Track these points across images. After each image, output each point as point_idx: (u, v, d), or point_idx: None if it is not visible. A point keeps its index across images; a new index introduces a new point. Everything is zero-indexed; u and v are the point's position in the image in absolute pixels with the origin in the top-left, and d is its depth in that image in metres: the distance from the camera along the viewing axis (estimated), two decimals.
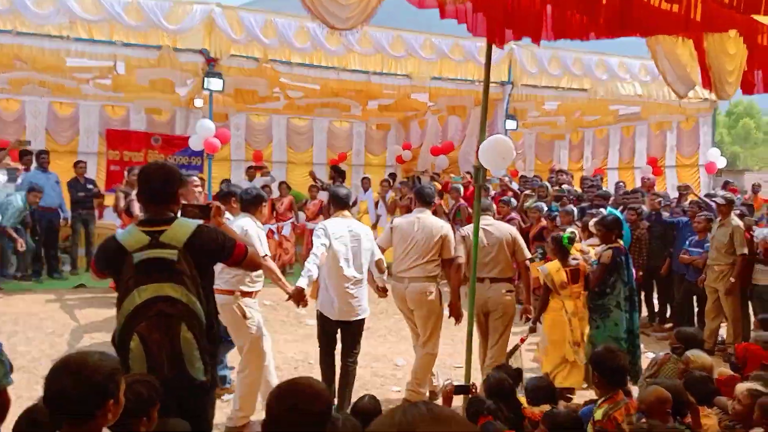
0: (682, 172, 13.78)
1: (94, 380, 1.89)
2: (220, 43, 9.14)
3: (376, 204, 11.72)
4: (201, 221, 3.10)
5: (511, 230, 5.41)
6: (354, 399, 3.96)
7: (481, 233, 4.84)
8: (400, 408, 1.19)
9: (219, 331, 3.16)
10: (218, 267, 4.39)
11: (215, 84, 9.33)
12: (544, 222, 8.26)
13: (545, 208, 8.49)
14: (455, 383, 3.91)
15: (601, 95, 11.66)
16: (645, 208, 8.34)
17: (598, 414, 3.24)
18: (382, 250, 5.18)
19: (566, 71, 11.37)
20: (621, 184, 11.20)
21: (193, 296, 2.79)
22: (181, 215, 3.18)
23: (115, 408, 1.96)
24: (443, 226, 5.07)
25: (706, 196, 8.65)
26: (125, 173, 9.29)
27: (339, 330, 4.87)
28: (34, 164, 9.77)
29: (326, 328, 4.87)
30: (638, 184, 11.39)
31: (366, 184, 12.07)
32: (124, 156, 10.91)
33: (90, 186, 10.24)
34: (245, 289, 4.56)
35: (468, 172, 10.34)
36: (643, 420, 3.08)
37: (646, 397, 3.16)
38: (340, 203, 4.92)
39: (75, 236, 10.06)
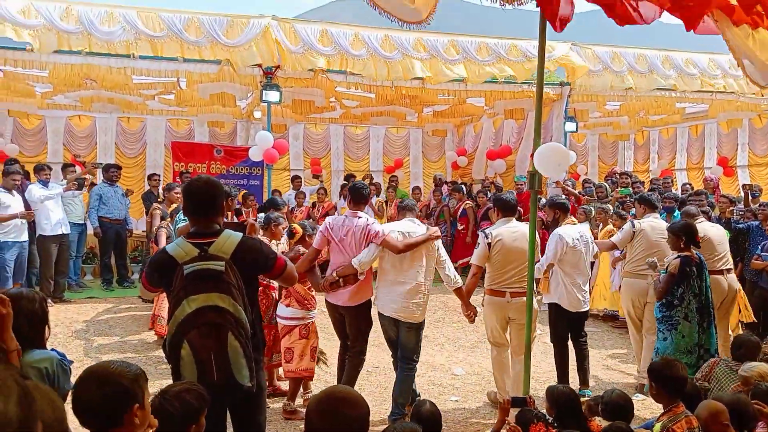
0: (755, 171, 13.11)
1: (119, 385, 1.98)
2: (277, 55, 9.28)
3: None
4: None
5: None
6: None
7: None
8: (391, 428, 1.21)
9: (262, 338, 3.23)
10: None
11: (273, 96, 9.53)
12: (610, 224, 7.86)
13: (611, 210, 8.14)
14: (513, 395, 3.84)
15: (666, 93, 11.16)
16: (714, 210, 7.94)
17: (657, 427, 3.11)
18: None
19: (630, 69, 10.74)
20: (688, 186, 10.73)
21: (239, 305, 2.89)
22: None
23: (141, 413, 2.01)
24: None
25: None
26: (160, 191, 9.54)
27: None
28: (101, 178, 10.19)
29: (563, 318, 5.59)
30: None
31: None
32: (188, 167, 11.25)
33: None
34: None
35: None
36: None
37: (701, 411, 3.03)
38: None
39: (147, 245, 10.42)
